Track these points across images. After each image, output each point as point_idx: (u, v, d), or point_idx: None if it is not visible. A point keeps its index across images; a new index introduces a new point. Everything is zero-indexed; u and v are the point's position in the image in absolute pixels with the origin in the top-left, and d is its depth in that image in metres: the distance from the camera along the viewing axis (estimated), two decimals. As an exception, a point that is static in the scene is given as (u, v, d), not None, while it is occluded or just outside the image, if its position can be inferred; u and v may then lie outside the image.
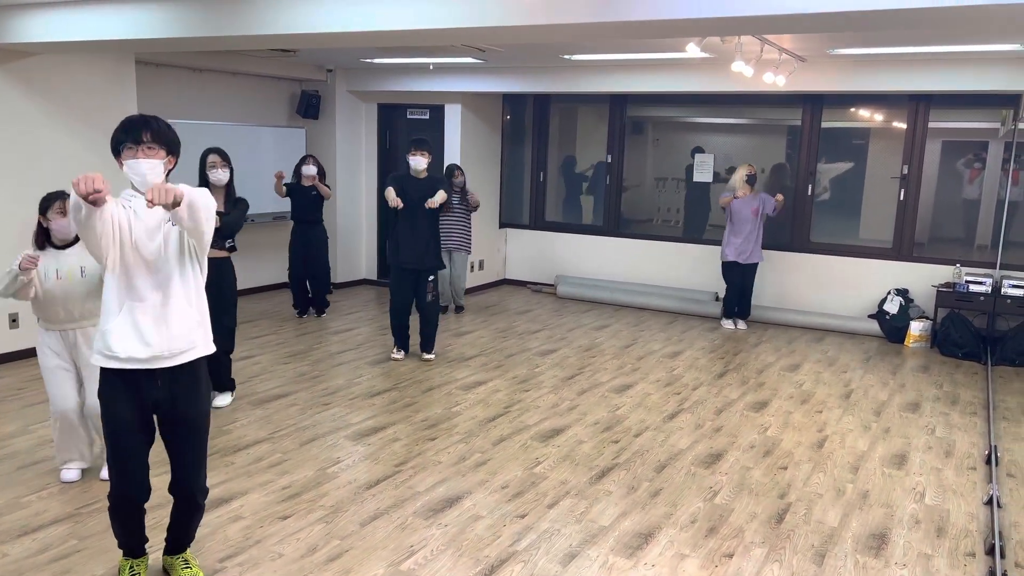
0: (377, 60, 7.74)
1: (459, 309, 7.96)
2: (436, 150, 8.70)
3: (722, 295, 8.04)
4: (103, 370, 2.74)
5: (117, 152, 2.71)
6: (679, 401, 5.38)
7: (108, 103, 6.24)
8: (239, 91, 8.21)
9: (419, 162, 5.88)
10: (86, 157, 6.06)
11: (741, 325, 7.60)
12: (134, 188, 2.74)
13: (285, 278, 8.90)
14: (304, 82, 8.74)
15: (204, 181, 4.81)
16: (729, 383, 5.84)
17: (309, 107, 8.61)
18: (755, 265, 7.48)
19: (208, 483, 3.89)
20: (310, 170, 7.29)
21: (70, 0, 4.81)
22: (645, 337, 7.14)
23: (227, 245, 4.79)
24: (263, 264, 8.67)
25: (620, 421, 4.97)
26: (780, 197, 7.42)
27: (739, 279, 7.48)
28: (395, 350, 6.24)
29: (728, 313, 7.64)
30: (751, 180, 7.35)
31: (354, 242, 9.19)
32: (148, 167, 2.68)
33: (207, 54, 7.26)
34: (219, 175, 4.77)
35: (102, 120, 6.19)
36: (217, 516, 3.58)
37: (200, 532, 3.43)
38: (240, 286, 8.33)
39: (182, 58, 7.22)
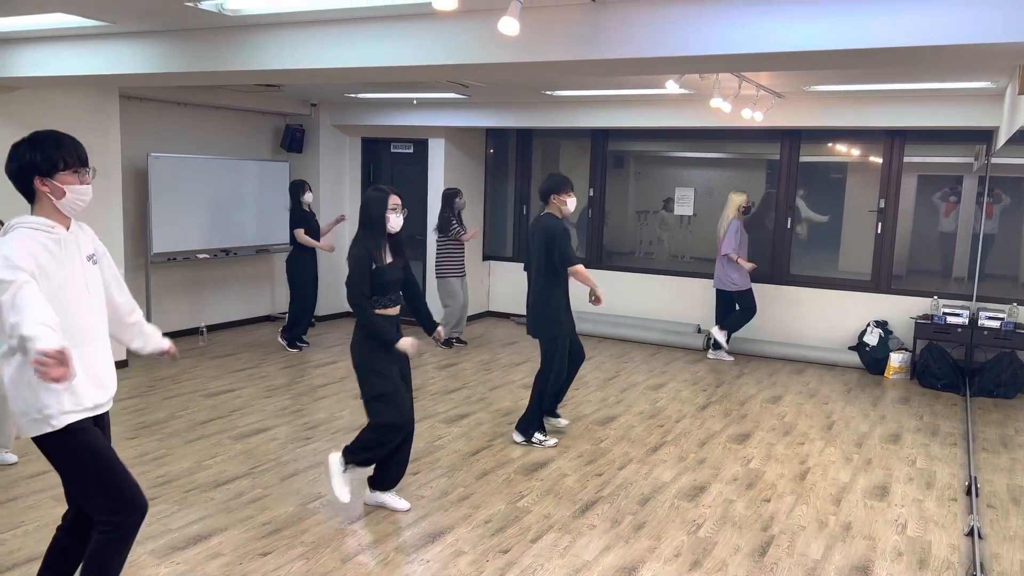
0: (361, 95, 7.81)
1: (462, 343, 7.96)
2: (420, 184, 8.80)
3: (706, 326, 8.09)
4: None
5: (44, 172, 2.44)
6: (662, 433, 5.39)
7: (91, 138, 6.24)
8: (223, 125, 8.24)
9: (574, 202, 5.07)
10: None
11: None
12: (43, 216, 2.48)
13: (267, 311, 8.89)
14: (288, 116, 8.79)
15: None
16: (712, 415, 5.85)
17: (293, 141, 8.65)
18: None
19: (187, 519, 3.85)
20: (309, 197, 7.53)
21: (54, 35, 4.84)
22: (628, 369, 7.16)
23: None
24: (245, 297, 8.63)
25: (604, 454, 4.96)
26: (753, 266, 7.43)
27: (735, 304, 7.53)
28: (546, 436, 5.12)
29: (731, 329, 7.59)
30: (747, 211, 7.42)
31: (338, 276, 9.17)
32: (90, 195, 2.55)
33: (191, 88, 7.30)
34: (400, 220, 3.89)
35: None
36: (196, 553, 3.53)
37: (177, 570, 3.38)
38: (221, 319, 8.38)
39: (166, 92, 7.25)
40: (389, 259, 3.86)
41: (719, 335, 7.50)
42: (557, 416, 5.36)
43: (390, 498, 4.05)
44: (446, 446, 5.00)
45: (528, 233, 5.14)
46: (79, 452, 2.53)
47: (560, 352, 4.98)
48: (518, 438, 5.08)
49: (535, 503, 4.18)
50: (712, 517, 4.08)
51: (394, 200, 3.83)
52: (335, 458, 3.94)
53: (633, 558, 3.61)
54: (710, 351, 7.67)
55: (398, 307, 3.92)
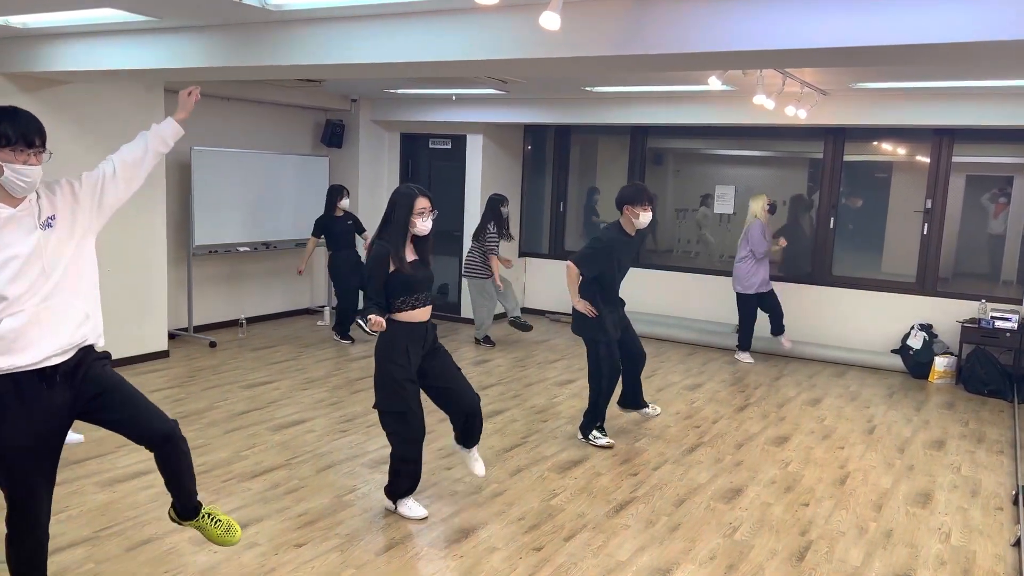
0: (401, 90, 7.84)
1: (489, 341, 7.92)
2: (457, 179, 8.81)
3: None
4: None
5: None
6: (699, 434, 5.32)
7: (137, 130, 6.26)
8: (265, 120, 8.33)
9: (649, 216, 4.87)
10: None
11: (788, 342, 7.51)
12: None
13: (306, 304, 8.99)
14: (329, 111, 8.86)
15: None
16: (750, 417, 5.77)
17: (333, 136, 8.72)
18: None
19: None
20: (346, 202, 7.65)
21: (102, 30, 4.92)
22: (664, 369, 7.09)
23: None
24: (284, 290, 8.73)
25: (639, 453, 4.92)
26: (783, 242, 7.50)
27: (758, 308, 7.44)
28: (602, 435, 5.06)
29: (749, 345, 7.56)
30: (772, 210, 7.37)
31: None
32: (38, 176, 2.50)
33: (234, 83, 7.39)
34: (427, 224, 3.73)
35: (130, 147, 6.30)
36: (233, 542, 3.57)
37: (214, 558, 3.43)
38: (261, 311, 8.48)
39: (210, 87, 7.35)
40: (411, 257, 3.69)
41: (784, 341, 7.42)
42: (646, 405, 5.33)
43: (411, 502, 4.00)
44: (480, 442, 4.99)
45: None
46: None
47: (602, 353, 4.93)
48: (579, 437, 5.11)
49: (569, 501, 4.16)
50: (749, 520, 4.02)
51: (422, 203, 3.63)
52: (389, 504, 3.97)
53: (667, 559, 3.57)
54: (737, 355, 7.56)
55: (429, 307, 3.77)
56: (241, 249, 7.79)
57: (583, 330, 4.98)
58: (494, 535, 3.75)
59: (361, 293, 7.69)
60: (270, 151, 8.16)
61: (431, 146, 9.12)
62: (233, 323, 8.04)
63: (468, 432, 4.01)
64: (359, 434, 5.07)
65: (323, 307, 8.68)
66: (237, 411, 5.44)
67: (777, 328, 7.42)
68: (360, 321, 3.74)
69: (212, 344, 7.29)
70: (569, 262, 4.85)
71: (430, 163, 9.16)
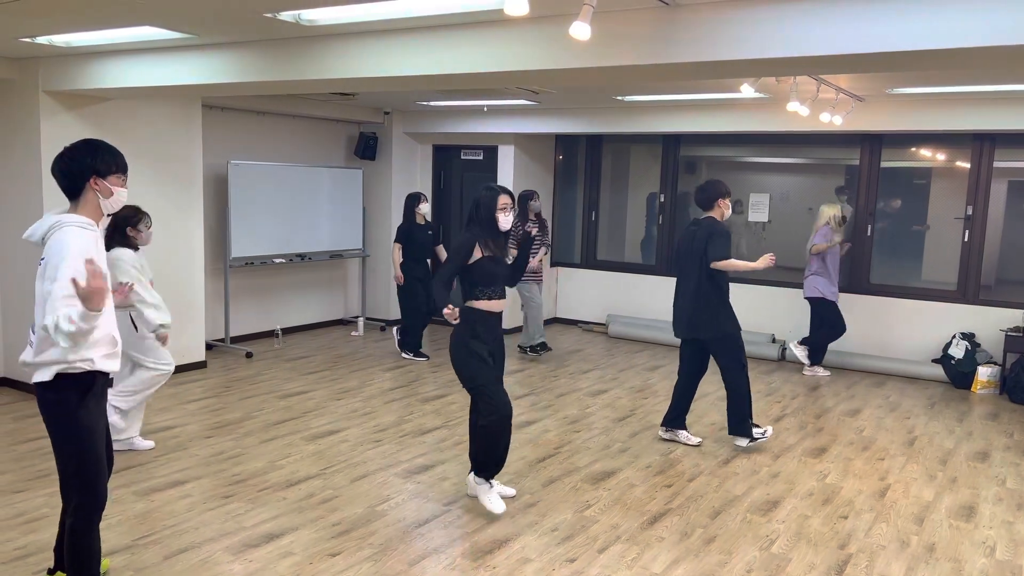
0: (432, 103, 7.90)
1: (546, 347, 7.76)
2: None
3: (781, 337, 7.88)
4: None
5: (100, 173, 2.79)
6: (734, 445, 5.26)
7: (175, 145, 6.49)
8: (299, 133, 8.45)
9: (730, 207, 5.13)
10: (153, 197, 6.29)
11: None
12: (78, 216, 2.79)
13: (340, 315, 9.07)
14: (362, 124, 8.96)
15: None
16: (786, 427, 5.69)
17: (367, 148, 8.81)
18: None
19: (260, 518, 3.94)
20: (426, 207, 7.50)
21: (141, 48, 5.04)
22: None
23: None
24: (319, 301, 8.82)
25: (673, 465, 4.87)
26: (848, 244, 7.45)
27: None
28: (762, 428, 5.17)
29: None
30: (843, 221, 7.20)
31: (408, 280, 9.29)
32: (127, 197, 2.94)
33: (269, 98, 7.51)
34: (509, 219, 4.04)
35: (169, 161, 6.43)
36: (268, 552, 3.61)
37: (250, 567, 3.46)
38: (296, 322, 8.58)
39: (245, 102, 7.48)
40: (498, 252, 4.03)
41: (798, 350, 7.25)
42: (686, 428, 5.31)
43: (496, 486, 4.22)
44: (512, 452, 4.99)
45: (684, 236, 5.15)
46: (78, 427, 2.82)
47: (743, 344, 5.08)
48: (742, 443, 5.13)
49: (602, 512, 4.13)
50: (786, 533, 3.95)
51: (503, 200, 3.99)
52: (471, 479, 4.15)
53: (703, 572, 3.53)
54: (805, 369, 7.36)
55: (503, 301, 4.05)
56: (277, 261, 7.89)
57: (720, 328, 5.00)
58: (527, 546, 3.73)
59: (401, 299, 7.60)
60: (305, 164, 8.27)
61: (463, 157, 9.17)
62: (269, 334, 8.14)
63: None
64: (392, 444, 5.09)
65: (357, 318, 8.75)
66: (272, 421, 5.50)
67: (807, 338, 7.32)
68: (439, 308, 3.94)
69: (248, 355, 7.39)
70: (721, 262, 4.87)
71: (462, 174, 9.20)
